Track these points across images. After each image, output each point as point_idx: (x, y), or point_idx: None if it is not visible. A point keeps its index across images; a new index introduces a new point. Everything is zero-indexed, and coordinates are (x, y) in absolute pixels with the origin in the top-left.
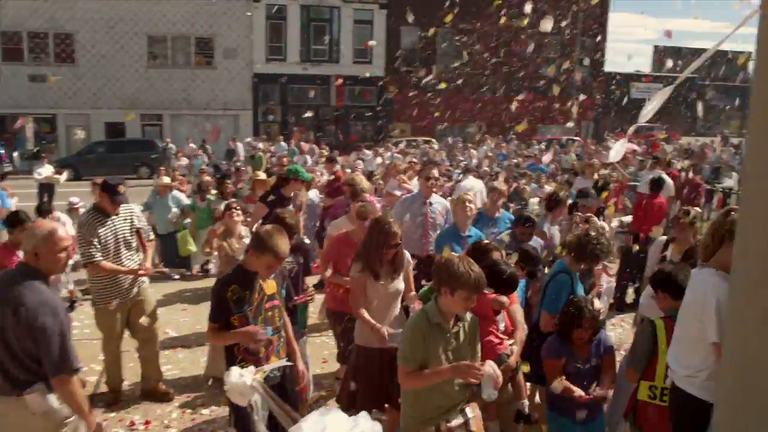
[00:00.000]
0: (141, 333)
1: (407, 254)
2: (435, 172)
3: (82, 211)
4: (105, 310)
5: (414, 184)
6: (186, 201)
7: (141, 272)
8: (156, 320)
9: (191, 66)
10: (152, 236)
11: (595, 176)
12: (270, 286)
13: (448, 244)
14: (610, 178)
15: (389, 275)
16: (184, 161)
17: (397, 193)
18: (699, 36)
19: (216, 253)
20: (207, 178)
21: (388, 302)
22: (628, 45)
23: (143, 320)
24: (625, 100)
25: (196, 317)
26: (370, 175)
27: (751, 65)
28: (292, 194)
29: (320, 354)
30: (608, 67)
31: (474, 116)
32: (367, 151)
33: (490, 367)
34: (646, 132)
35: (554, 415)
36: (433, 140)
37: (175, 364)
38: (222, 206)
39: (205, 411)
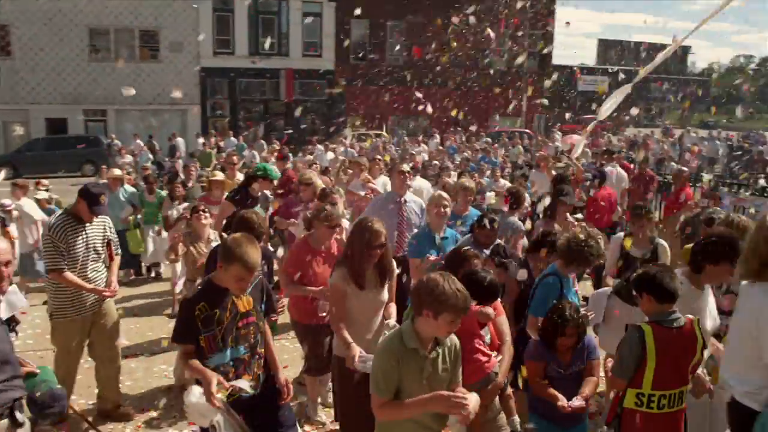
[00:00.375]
0: (102, 351)
1: (393, 263)
2: (406, 167)
3: (15, 213)
4: (64, 324)
5: (379, 183)
6: (134, 191)
7: (107, 293)
8: (118, 337)
9: (136, 60)
10: (119, 251)
11: (553, 171)
12: (245, 302)
13: (422, 247)
14: (567, 171)
15: (375, 284)
16: (128, 158)
17: (361, 192)
18: (640, 30)
19: (180, 260)
20: (150, 173)
21: (371, 315)
22: (573, 39)
23: (105, 338)
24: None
25: (148, 323)
26: (324, 172)
27: (690, 58)
28: (259, 194)
29: (280, 358)
30: (555, 61)
31: (424, 109)
32: (318, 146)
33: (475, 401)
34: (590, 123)
35: (536, 417)
36: (384, 133)
37: (128, 375)
38: (173, 212)
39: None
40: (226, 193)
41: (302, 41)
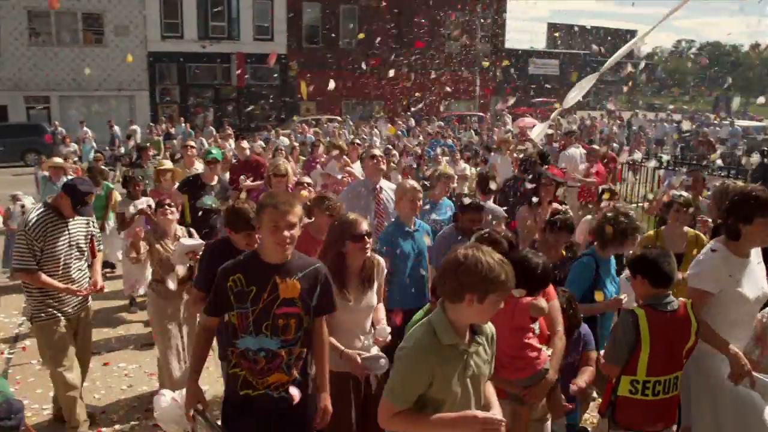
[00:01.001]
0: (79, 355)
1: (381, 261)
2: (377, 152)
3: None
4: (48, 325)
5: (357, 167)
6: None
7: (84, 293)
8: (90, 342)
9: (79, 44)
10: (102, 246)
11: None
12: (289, 287)
13: (395, 240)
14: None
15: (361, 288)
16: (73, 147)
17: (338, 176)
18: (591, 15)
19: (142, 259)
20: (100, 163)
21: (360, 323)
22: (523, 23)
23: (83, 341)
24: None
25: (104, 321)
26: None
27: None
28: (214, 182)
29: None
30: (507, 45)
31: (378, 94)
32: (266, 132)
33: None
34: (544, 106)
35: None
36: (338, 118)
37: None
38: (131, 209)
39: None
40: (177, 183)
41: (253, 25)
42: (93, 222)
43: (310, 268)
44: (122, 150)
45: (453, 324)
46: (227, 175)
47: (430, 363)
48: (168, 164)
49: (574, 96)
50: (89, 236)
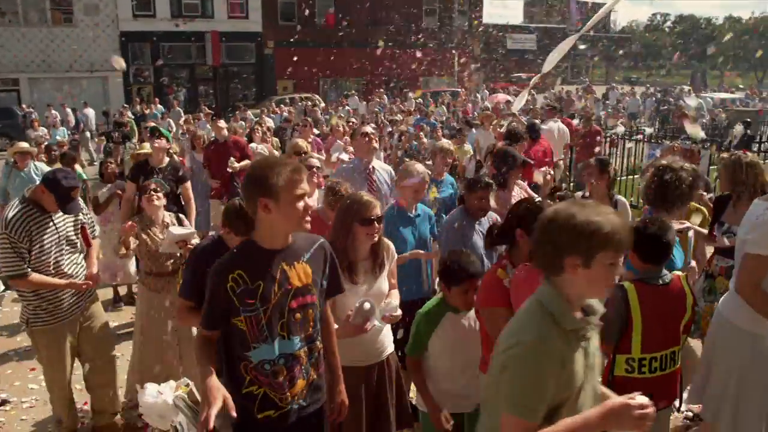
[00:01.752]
0: (93, 356)
1: (391, 245)
2: (369, 129)
3: None
4: (45, 332)
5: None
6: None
7: (85, 285)
8: (112, 341)
9: (48, 24)
10: (98, 232)
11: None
12: (300, 273)
13: (395, 227)
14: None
15: (371, 273)
16: (42, 131)
17: (344, 157)
18: None
19: (131, 255)
20: (64, 148)
21: None
22: None
23: (95, 340)
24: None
25: None
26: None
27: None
28: (164, 164)
29: None
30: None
31: (356, 71)
32: (250, 113)
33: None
34: (523, 81)
35: None
36: (317, 96)
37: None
38: (104, 191)
39: None
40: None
41: (227, 2)
42: (83, 208)
43: (315, 246)
44: (87, 134)
45: (568, 300)
46: (201, 157)
47: (560, 356)
48: (146, 148)
49: (554, 59)
50: (79, 225)
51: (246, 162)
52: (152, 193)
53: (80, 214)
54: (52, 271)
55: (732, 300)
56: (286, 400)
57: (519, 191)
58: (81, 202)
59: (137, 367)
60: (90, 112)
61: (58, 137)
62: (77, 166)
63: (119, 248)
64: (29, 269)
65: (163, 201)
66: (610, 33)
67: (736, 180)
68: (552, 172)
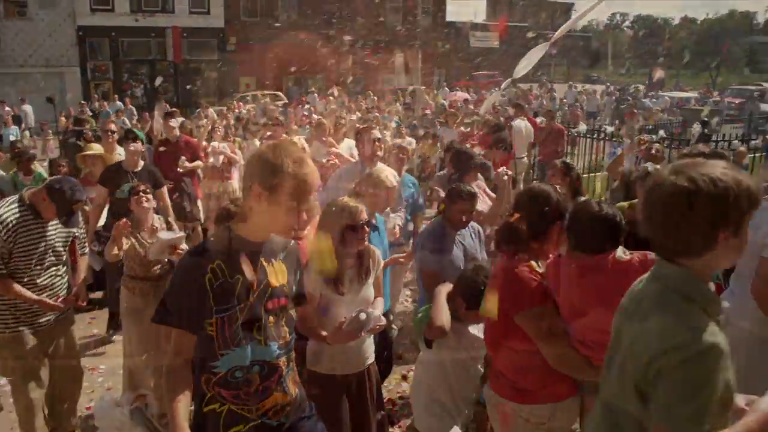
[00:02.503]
0: (61, 371)
1: (377, 251)
2: (377, 133)
3: None
4: (11, 340)
5: (342, 148)
6: (2, 174)
7: (61, 306)
8: (78, 351)
9: (0, 17)
10: (86, 249)
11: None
12: (277, 272)
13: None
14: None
15: (354, 280)
16: None
17: (323, 160)
18: None
19: (121, 256)
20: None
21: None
22: None
23: (65, 349)
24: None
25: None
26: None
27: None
28: (138, 167)
29: None
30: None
31: (319, 68)
32: (212, 110)
33: None
34: (485, 80)
35: None
36: (280, 94)
37: None
38: None
39: None
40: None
41: None
42: (77, 221)
43: (289, 247)
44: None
45: (705, 281)
46: None
47: (727, 353)
48: (96, 148)
49: (524, 66)
50: (70, 239)
51: (197, 163)
52: (142, 194)
53: (76, 227)
54: (25, 280)
55: (734, 301)
56: (257, 412)
57: (477, 191)
58: (78, 214)
59: (128, 383)
60: (28, 108)
61: (11, 137)
62: (36, 165)
63: (111, 248)
64: (6, 273)
65: (153, 203)
66: (571, 32)
67: None
68: (510, 173)
